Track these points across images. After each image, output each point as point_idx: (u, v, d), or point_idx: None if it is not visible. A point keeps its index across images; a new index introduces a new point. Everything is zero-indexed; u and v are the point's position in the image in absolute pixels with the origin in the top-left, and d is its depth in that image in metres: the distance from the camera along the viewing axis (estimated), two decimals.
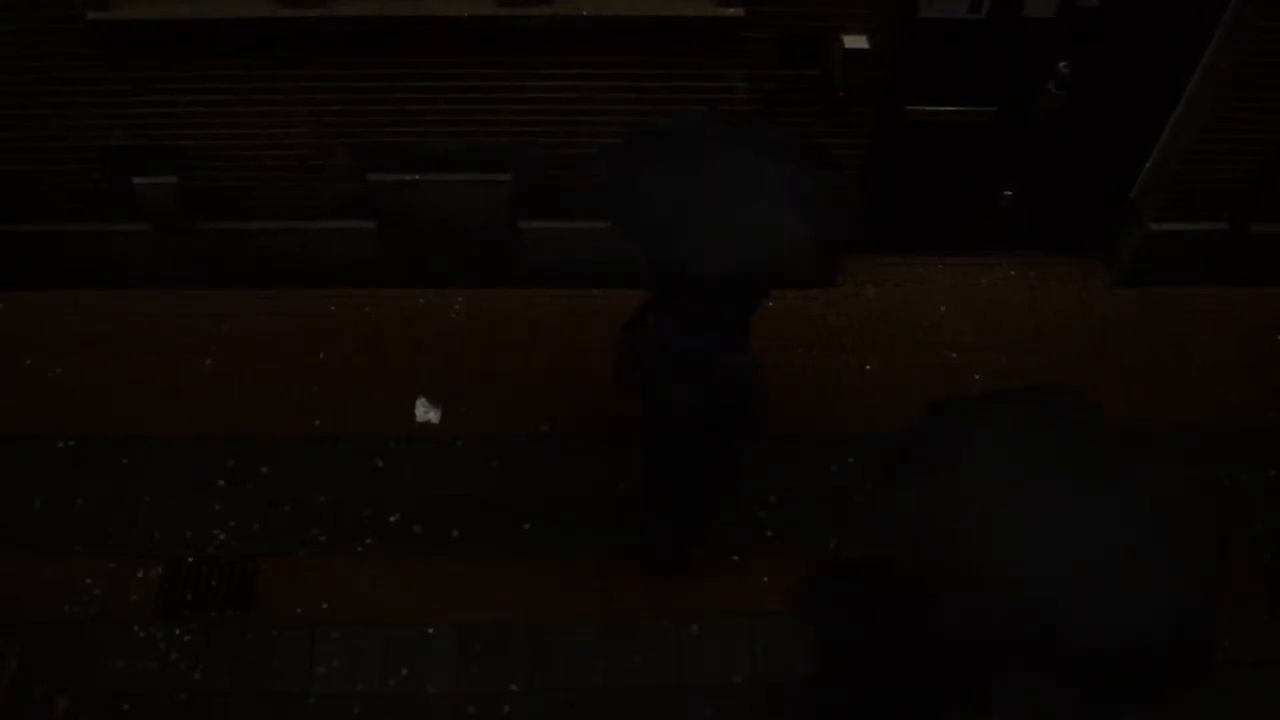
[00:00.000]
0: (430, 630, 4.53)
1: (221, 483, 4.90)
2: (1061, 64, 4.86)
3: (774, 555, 4.76)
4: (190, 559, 4.68)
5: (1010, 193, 5.44)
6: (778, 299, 5.64)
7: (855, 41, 4.54)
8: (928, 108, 5.07)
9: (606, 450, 5.02)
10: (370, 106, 4.81)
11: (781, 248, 3.61)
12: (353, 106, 4.81)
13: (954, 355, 5.46)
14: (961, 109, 5.08)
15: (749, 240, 3.49)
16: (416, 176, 5.09)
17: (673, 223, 3.52)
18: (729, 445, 4.02)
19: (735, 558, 4.76)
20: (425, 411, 5.16)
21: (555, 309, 5.56)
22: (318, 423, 5.09)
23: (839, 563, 4.44)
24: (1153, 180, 5.38)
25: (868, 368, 5.31)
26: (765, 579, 4.70)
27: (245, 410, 5.11)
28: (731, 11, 4.47)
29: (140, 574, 4.64)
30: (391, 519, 4.83)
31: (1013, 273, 5.83)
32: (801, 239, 3.62)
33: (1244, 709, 4.43)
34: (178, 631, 4.49)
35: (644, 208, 3.58)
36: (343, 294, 5.55)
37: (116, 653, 4.43)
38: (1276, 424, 5.24)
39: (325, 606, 4.57)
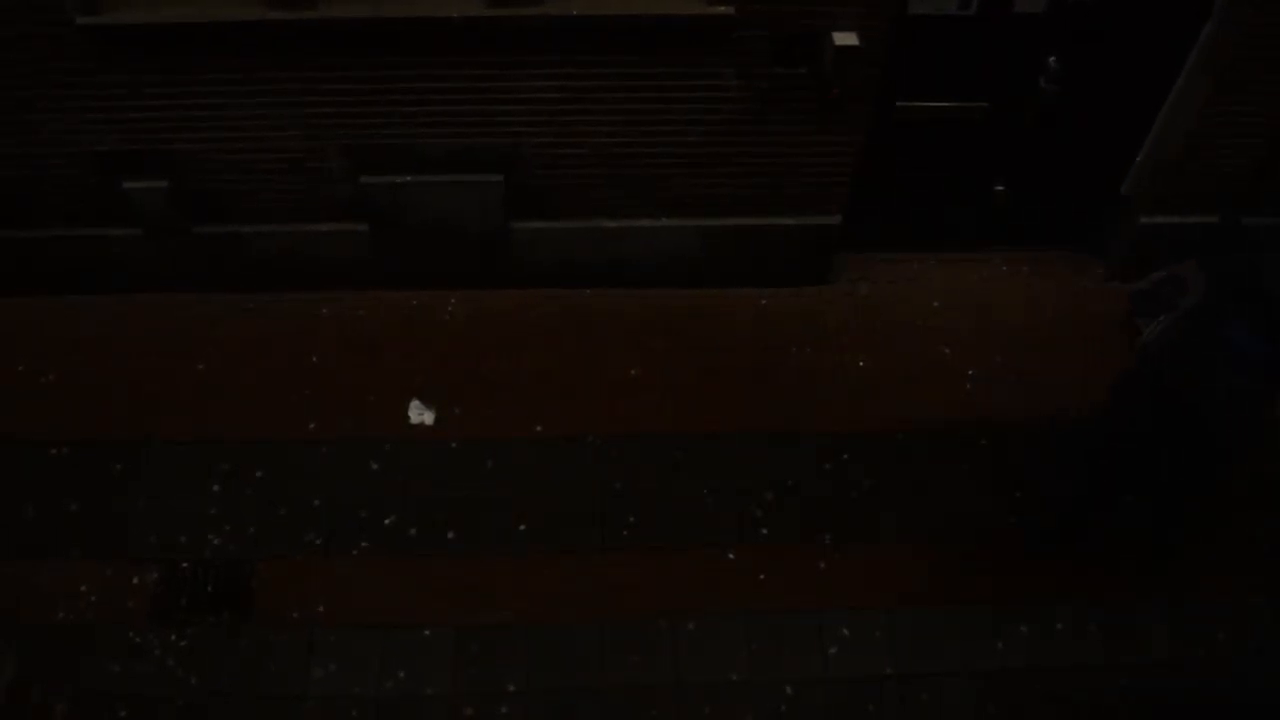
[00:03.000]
0: (427, 632, 4.53)
1: (216, 486, 4.89)
2: (1051, 59, 4.87)
3: (769, 553, 4.77)
4: (185, 563, 4.68)
5: (1002, 188, 5.44)
6: (772, 298, 5.65)
7: (846, 39, 4.54)
8: (920, 104, 5.07)
9: (602, 450, 5.03)
10: (362, 108, 4.80)
11: None
12: (345, 108, 4.80)
13: (947, 351, 5.46)
14: (953, 105, 5.08)
15: None
16: (409, 178, 5.08)
17: None
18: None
19: (730, 555, 4.77)
20: (420, 413, 5.16)
21: (549, 309, 5.56)
22: (312, 425, 5.09)
23: None
24: (1144, 174, 5.38)
25: (861, 364, 5.32)
26: (761, 576, 4.71)
27: (239, 413, 5.10)
28: (722, 10, 4.47)
29: (136, 579, 4.63)
30: (387, 521, 4.83)
31: (1005, 268, 5.84)
32: None
33: (1242, 708, 4.45)
34: (174, 636, 4.48)
35: None
36: (336, 296, 5.55)
37: (113, 657, 4.43)
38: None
39: (321, 609, 4.57)
